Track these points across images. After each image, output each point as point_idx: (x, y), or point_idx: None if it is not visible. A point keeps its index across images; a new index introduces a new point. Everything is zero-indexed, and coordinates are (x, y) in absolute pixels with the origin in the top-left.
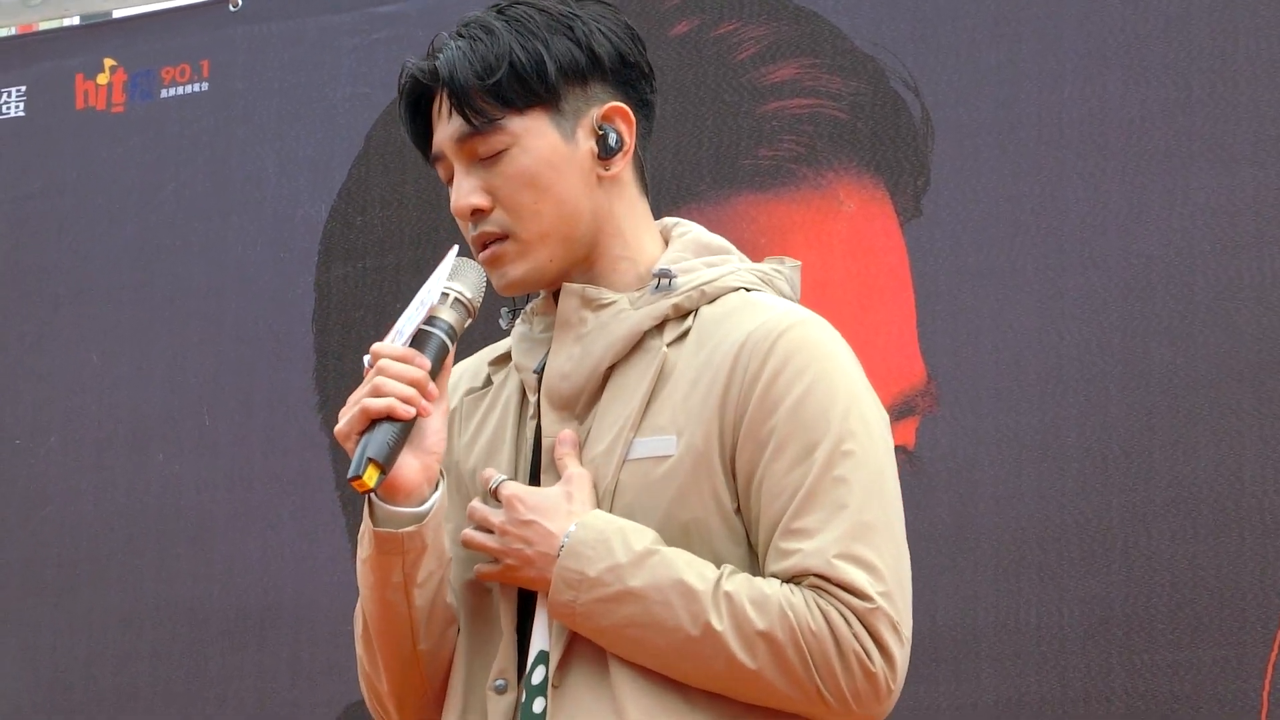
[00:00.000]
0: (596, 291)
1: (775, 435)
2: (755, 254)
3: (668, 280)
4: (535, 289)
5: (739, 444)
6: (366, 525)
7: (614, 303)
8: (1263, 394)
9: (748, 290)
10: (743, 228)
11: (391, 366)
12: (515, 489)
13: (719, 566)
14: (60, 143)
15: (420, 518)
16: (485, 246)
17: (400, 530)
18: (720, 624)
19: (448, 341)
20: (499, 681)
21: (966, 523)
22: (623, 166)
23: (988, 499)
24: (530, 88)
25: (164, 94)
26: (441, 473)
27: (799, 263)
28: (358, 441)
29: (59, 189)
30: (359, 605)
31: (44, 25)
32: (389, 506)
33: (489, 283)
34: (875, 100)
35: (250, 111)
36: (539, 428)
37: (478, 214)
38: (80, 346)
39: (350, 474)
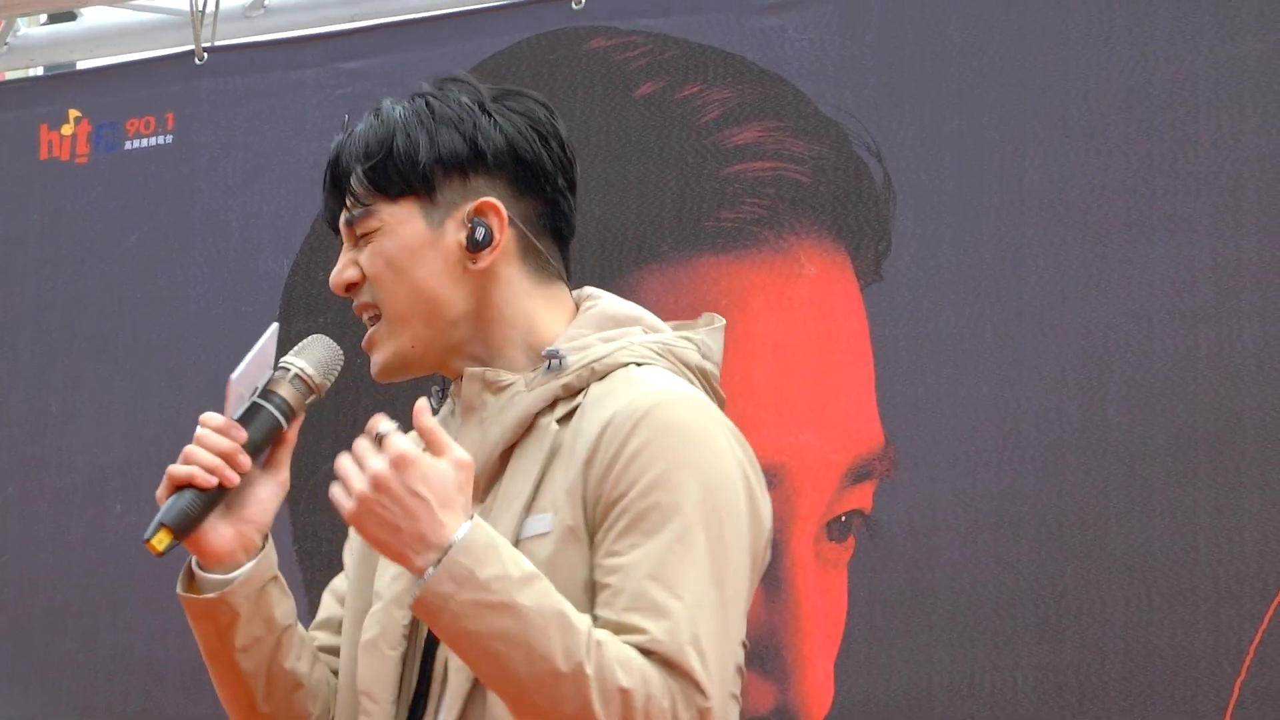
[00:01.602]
0: (495, 374)
1: (627, 514)
2: (717, 314)
3: (558, 361)
4: (404, 373)
5: (598, 516)
6: (179, 588)
7: (510, 385)
8: (1219, 463)
9: (638, 364)
10: (704, 289)
11: (206, 436)
12: (408, 449)
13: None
14: (24, 192)
15: (224, 585)
16: (368, 325)
17: (202, 596)
18: (590, 668)
19: (279, 417)
20: None
21: (922, 587)
22: (491, 260)
23: (944, 564)
24: (403, 175)
25: (128, 145)
26: (267, 539)
27: (722, 323)
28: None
29: (22, 238)
30: None
31: (9, 75)
32: (200, 572)
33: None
34: (838, 164)
35: (214, 164)
36: None
37: (351, 288)
38: (40, 396)
39: (144, 538)
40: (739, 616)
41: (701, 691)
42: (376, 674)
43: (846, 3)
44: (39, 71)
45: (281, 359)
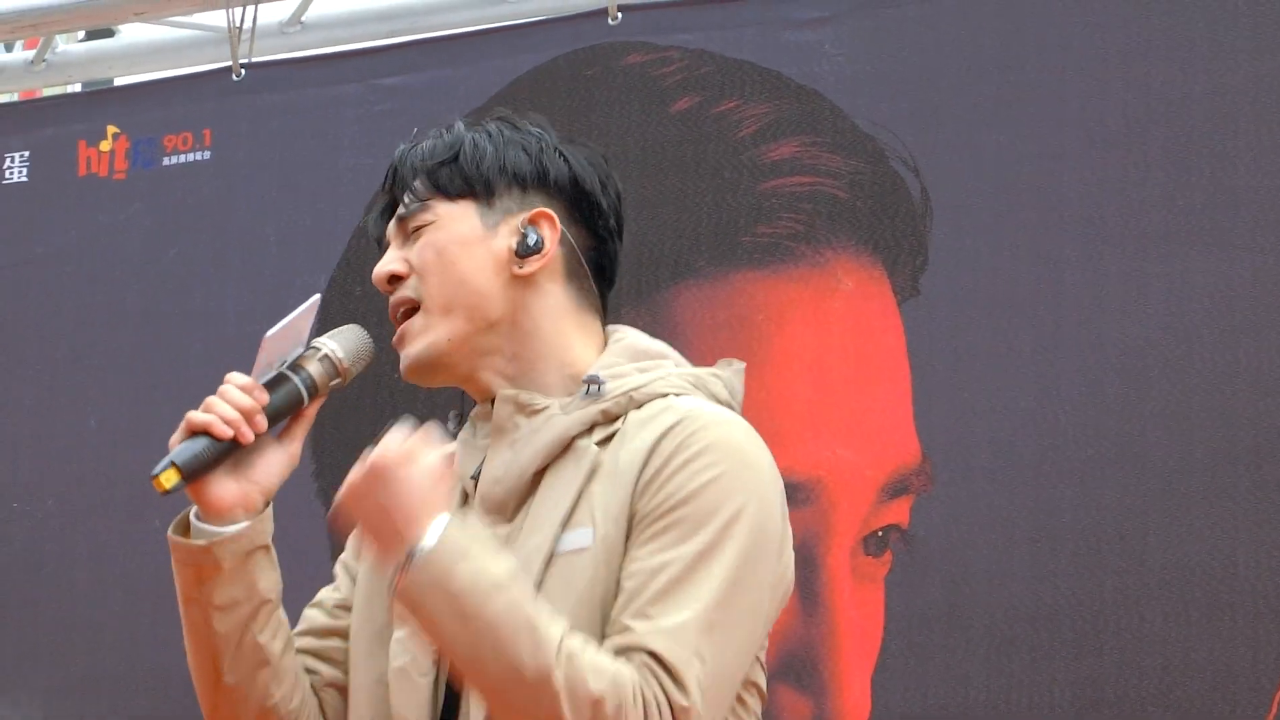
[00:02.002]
0: (529, 397)
1: (661, 520)
2: (751, 331)
3: (597, 386)
4: (433, 373)
5: (635, 525)
6: (169, 531)
7: (545, 408)
8: (1258, 478)
9: (677, 395)
10: (741, 304)
11: (229, 391)
12: (380, 457)
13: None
14: (62, 208)
15: (214, 535)
16: (399, 324)
17: (189, 542)
18: (559, 678)
19: (302, 391)
20: None
21: (959, 602)
22: (537, 268)
23: (981, 579)
24: (466, 178)
25: (166, 161)
26: (269, 505)
27: (743, 365)
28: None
29: (60, 254)
30: None
31: (47, 91)
32: (196, 522)
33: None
34: (874, 179)
35: (251, 180)
36: None
37: (394, 280)
38: (78, 411)
39: (152, 472)
40: (748, 640)
41: (683, 689)
42: (411, 702)
43: (883, 17)
44: (77, 88)
45: (315, 339)
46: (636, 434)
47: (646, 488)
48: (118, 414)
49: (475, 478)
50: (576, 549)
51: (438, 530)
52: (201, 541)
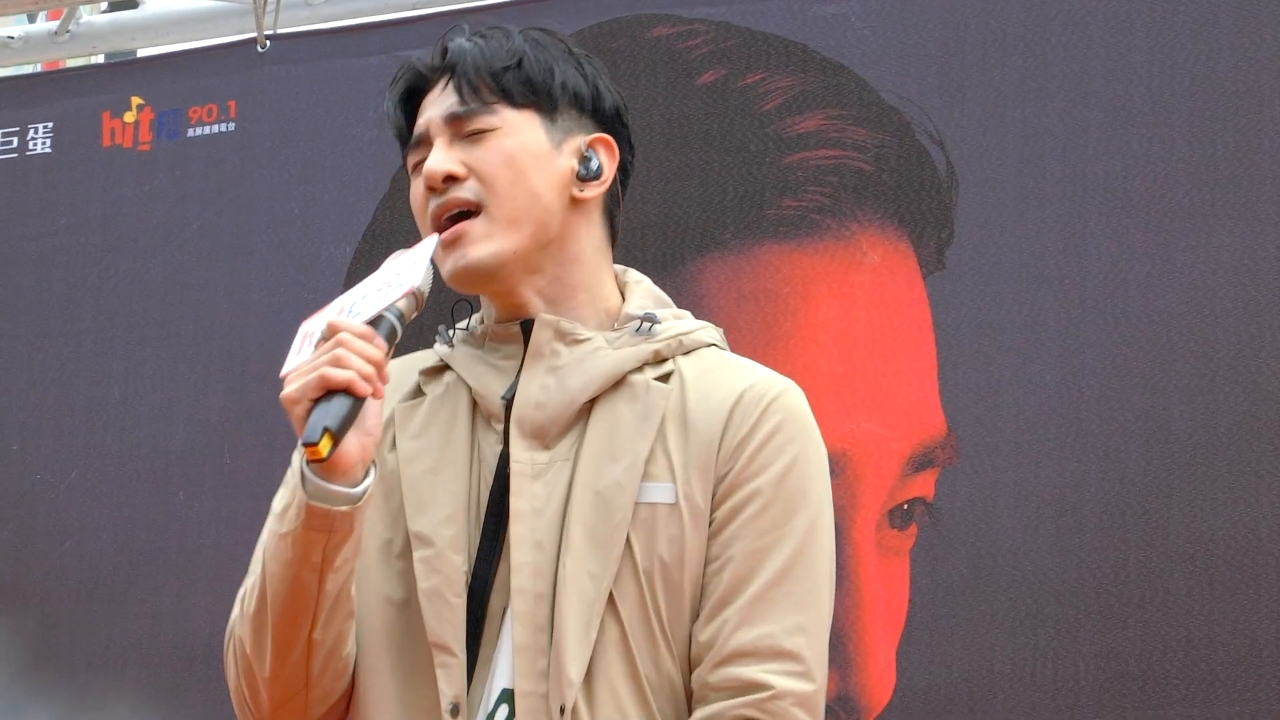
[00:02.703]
0: (571, 325)
1: (759, 497)
2: (777, 304)
3: (649, 325)
4: (488, 280)
5: (721, 493)
6: (296, 498)
7: (590, 339)
8: None
9: (720, 348)
10: (766, 277)
11: (354, 342)
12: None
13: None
14: (86, 180)
15: (355, 499)
16: (446, 225)
17: (334, 508)
18: None
19: (399, 328)
20: (451, 704)
21: (984, 575)
22: (595, 194)
23: (1006, 551)
24: (533, 88)
25: (190, 133)
26: (374, 460)
27: (721, 330)
28: (309, 409)
29: (84, 225)
30: (252, 583)
31: (71, 63)
32: (323, 483)
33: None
34: (900, 153)
35: (276, 152)
36: (505, 453)
37: (450, 180)
38: (103, 383)
39: (304, 439)
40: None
41: (813, 685)
42: (449, 625)
43: None
44: (101, 59)
45: (422, 274)
46: (702, 384)
47: (733, 454)
48: (141, 386)
49: (506, 399)
50: (659, 502)
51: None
52: (345, 508)
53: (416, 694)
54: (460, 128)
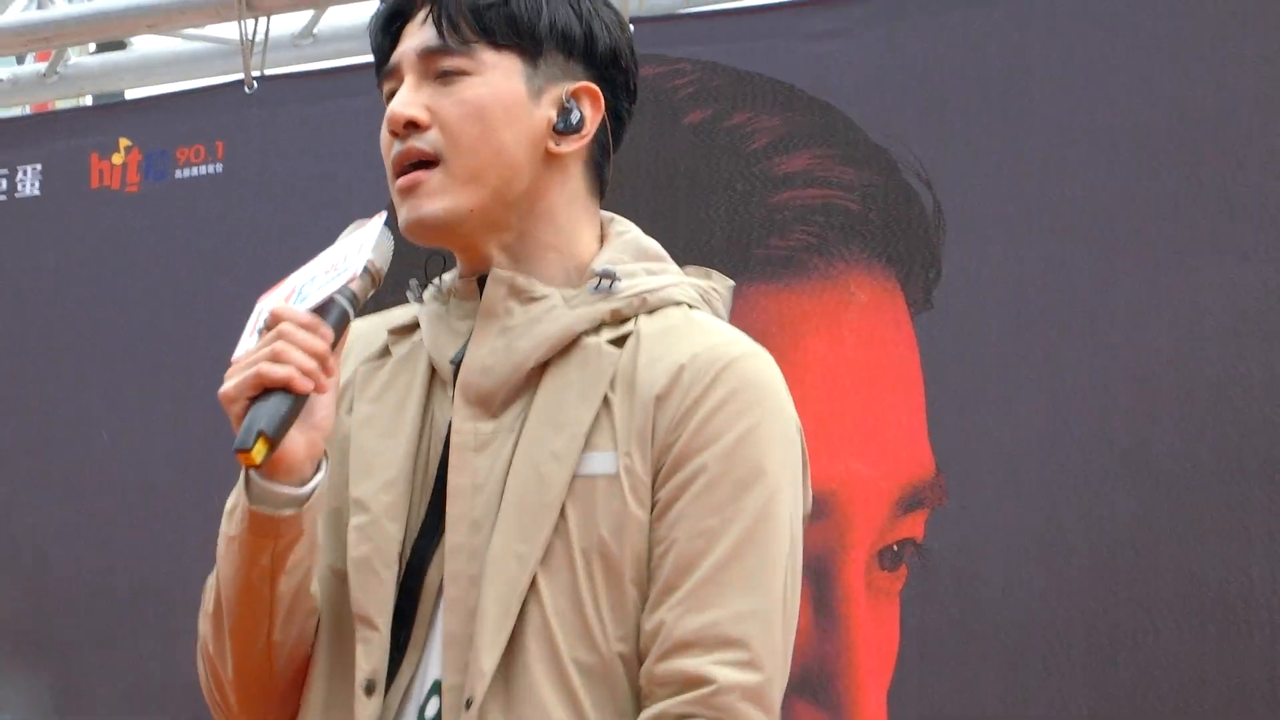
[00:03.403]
0: (527, 282)
1: (705, 473)
2: (764, 343)
3: (609, 282)
4: (444, 236)
5: (667, 468)
6: (240, 500)
7: (545, 297)
8: (1272, 488)
9: (691, 307)
10: (754, 317)
11: (295, 334)
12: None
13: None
14: (75, 220)
15: (300, 500)
16: (405, 172)
17: (278, 512)
18: None
19: (350, 312)
20: (367, 680)
21: (973, 614)
22: (573, 149)
23: (995, 592)
24: (517, 28)
25: (178, 174)
26: (325, 453)
27: (732, 284)
28: (245, 408)
29: (72, 266)
30: (211, 580)
31: (60, 104)
32: (267, 484)
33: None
34: (887, 191)
35: (263, 193)
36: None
37: (411, 127)
38: (87, 420)
39: (236, 445)
40: (797, 597)
41: (761, 673)
42: (374, 597)
43: (894, 30)
44: (89, 101)
45: (366, 257)
46: (655, 346)
47: (677, 423)
48: (128, 426)
49: (455, 363)
50: (600, 474)
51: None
52: (290, 511)
53: (341, 668)
54: (433, 65)
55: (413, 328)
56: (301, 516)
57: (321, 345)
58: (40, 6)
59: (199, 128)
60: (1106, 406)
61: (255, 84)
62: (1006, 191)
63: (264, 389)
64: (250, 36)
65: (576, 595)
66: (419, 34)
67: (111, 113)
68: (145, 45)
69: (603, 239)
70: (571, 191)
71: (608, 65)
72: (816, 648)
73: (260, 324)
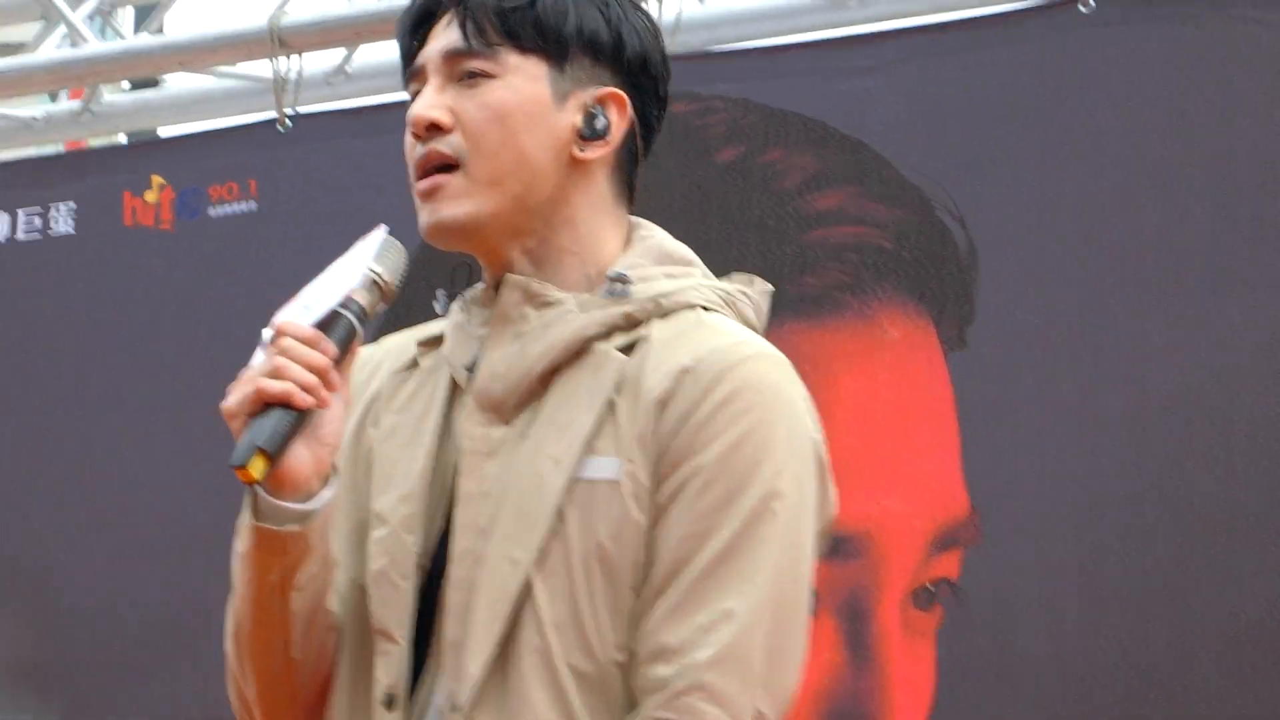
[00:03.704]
0: (541, 287)
1: (698, 477)
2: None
3: (622, 286)
4: (464, 240)
5: (663, 471)
6: (247, 517)
7: (559, 302)
8: None
9: (705, 309)
10: (787, 355)
11: (295, 348)
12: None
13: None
14: (108, 259)
15: (306, 516)
16: (426, 174)
17: (283, 528)
18: None
19: (357, 325)
20: (386, 694)
21: (1009, 654)
22: (599, 155)
23: (1030, 630)
24: (543, 31)
25: (212, 212)
26: (334, 467)
27: (769, 288)
28: (245, 424)
29: (105, 304)
30: (231, 601)
31: (93, 142)
32: (273, 500)
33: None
34: (921, 229)
35: (297, 231)
36: None
37: (433, 130)
38: (123, 460)
39: (233, 461)
40: (806, 593)
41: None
42: (392, 610)
43: (929, 67)
44: (122, 139)
45: (366, 267)
46: (663, 351)
47: (676, 428)
48: (159, 466)
49: (469, 368)
50: (601, 479)
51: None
52: (295, 527)
53: (365, 683)
54: (457, 67)
55: (440, 339)
56: (308, 533)
57: (322, 360)
58: (73, 45)
59: (232, 165)
60: (1142, 444)
61: (288, 121)
62: (1040, 228)
63: (264, 404)
64: (283, 74)
65: (575, 602)
66: (444, 36)
67: (145, 150)
68: (178, 83)
69: (627, 245)
70: (596, 198)
71: (637, 72)
72: (852, 687)
73: (267, 340)
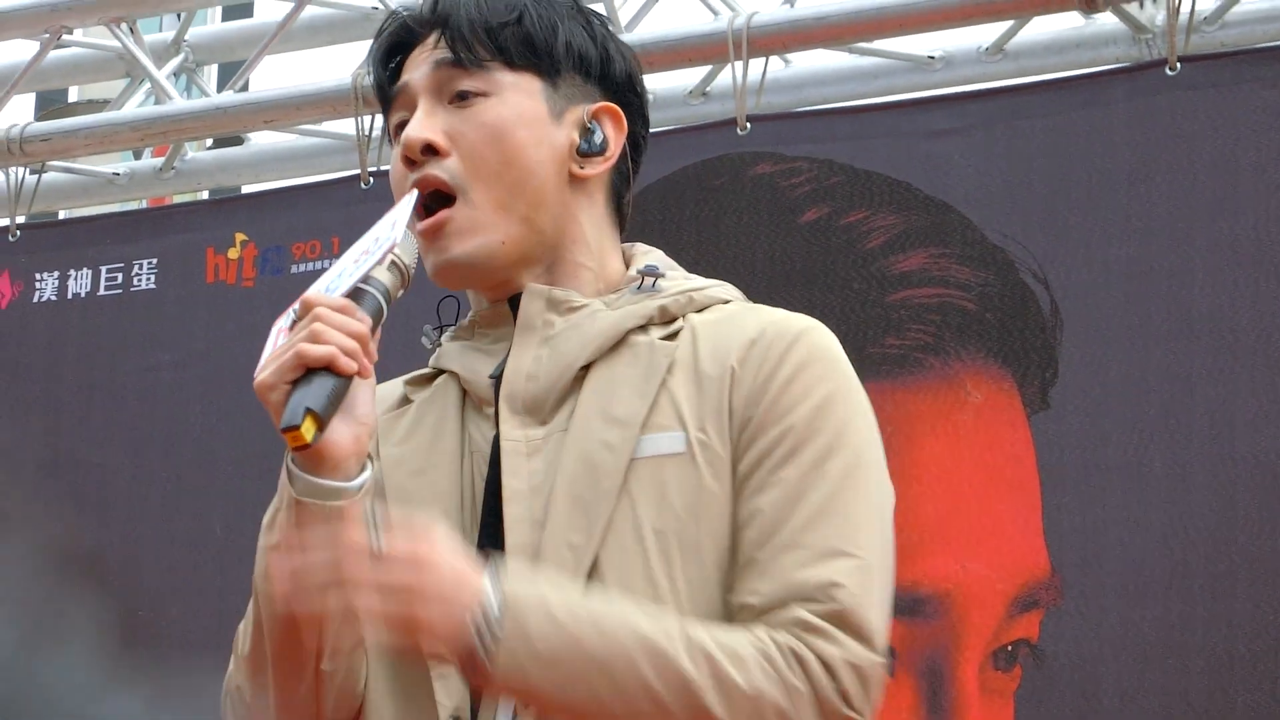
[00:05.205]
0: (564, 294)
1: (787, 440)
2: (884, 444)
3: (653, 280)
4: (474, 280)
5: (745, 440)
6: (285, 498)
7: (585, 305)
8: None
9: (739, 302)
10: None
11: (332, 316)
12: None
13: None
14: (190, 315)
15: (349, 494)
16: (427, 211)
17: (328, 503)
18: (702, 687)
19: (383, 303)
20: (452, 717)
21: (1090, 717)
22: (598, 171)
23: (1112, 695)
24: (534, 48)
25: (294, 269)
26: (370, 456)
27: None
28: (287, 393)
29: (188, 361)
30: (244, 625)
31: (177, 199)
32: (312, 478)
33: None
34: (1004, 291)
35: None
36: (497, 437)
37: (429, 152)
38: (205, 518)
39: (283, 424)
40: (889, 567)
41: (874, 649)
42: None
43: (1012, 129)
44: (205, 195)
45: (401, 232)
46: (714, 333)
47: (755, 396)
48: (243, 520)
49: (495, 378)
50: (665, 454)
51: (494, 598)
52: (339, 503)
53: (417, 710)
54: (447, 86)
55: (431, 377)
56: (350, 512)
57: (361, 327)
58: (158, 102)
59: (314, 222)
60: (1228, 511)
61: (370, 179)
62: (1125, 292)
63: (305, 371)
64: (366, 133)
65: (650, 576)
66: (429, 56)
67: (227, 207)
68: (262, 140)
69: (628, 260)
70: (598, 216)
71: (625, 89)
72: None
73: (278, 338)
